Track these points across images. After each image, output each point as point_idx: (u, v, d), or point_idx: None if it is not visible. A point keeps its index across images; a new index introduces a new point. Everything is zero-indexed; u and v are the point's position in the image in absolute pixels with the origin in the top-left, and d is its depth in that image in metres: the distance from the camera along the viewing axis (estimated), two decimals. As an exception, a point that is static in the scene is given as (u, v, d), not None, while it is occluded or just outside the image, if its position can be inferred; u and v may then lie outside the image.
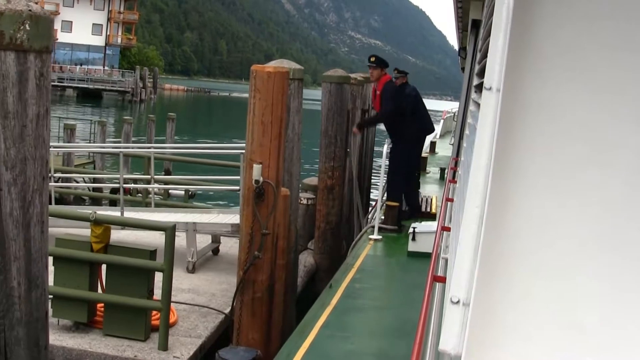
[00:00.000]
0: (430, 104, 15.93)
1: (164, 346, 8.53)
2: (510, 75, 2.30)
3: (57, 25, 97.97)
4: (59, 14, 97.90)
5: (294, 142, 10.47)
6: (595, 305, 2.29)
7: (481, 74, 5.46)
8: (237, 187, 12.78)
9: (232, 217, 12.89)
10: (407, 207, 14.73)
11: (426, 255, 10.39)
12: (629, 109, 2.25)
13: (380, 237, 12.48)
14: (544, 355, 2.34)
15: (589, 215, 2.29)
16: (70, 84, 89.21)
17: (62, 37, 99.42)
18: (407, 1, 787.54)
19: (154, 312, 8.96)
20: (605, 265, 2.29)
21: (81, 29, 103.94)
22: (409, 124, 13.62)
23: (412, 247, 11.36)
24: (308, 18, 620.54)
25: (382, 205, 13.74)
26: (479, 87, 5.54)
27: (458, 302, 2.39)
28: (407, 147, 13.73)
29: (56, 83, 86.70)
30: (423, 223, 11.82)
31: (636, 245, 2.27)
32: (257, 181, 8.75)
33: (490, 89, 2.34)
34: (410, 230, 11.50)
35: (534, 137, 2.32)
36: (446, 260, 5.44)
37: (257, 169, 8.73)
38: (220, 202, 22.12)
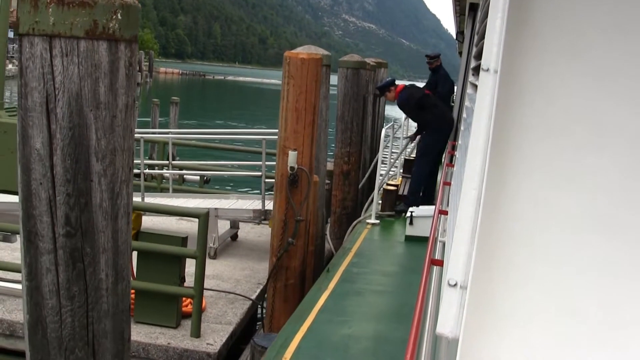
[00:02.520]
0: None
1: (196, 333, 8.51)
2: (508, 57, 2.29)
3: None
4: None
5: (322, 128, 10.45)
6: (592, 289, 2.29)
7: (478, 56, 5.44)
8: (259, 173, 12.71)
9: (253, 203, 12.84)
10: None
11: (424, 239, 10.31)
12: (627, 92, 2.24)
13: (377, 221, 12.37)
14: (541, 339, 2.35)
15: (587, 198, 2.29)
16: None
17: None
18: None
19: (183, 299, 8.94)
20: (602, 249, 2.28)
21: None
22: (441, 110, 13.28)
23: (409, 231, 11.28)
24: (302, 1, 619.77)
25: (380, 189, 13.54)
26: (477, 70, 5.52)
27: (455, 284, 2.39)
28: (441, 133, 13.39)
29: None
30: (420, 207, 11.67)
31: (633, 229, 2.26)
32: (292, 168, 8.72)
33: (487, 70, 2.33)
34: (408, 214, 11.43)
35: (532, 120, 2.31)
36: (443, 244, 5.42)
37: (292, 155, 8.70)
38: (232, 187, 22.07)
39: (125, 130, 4.41)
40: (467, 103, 6.20)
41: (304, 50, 9.42)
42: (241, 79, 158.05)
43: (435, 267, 4.56)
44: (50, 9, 4.06)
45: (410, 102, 12.95)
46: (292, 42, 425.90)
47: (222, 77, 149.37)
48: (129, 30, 4.29)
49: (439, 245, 5.52)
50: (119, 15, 4.18)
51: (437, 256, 5.13)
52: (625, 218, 2.26)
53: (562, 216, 2.30)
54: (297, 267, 9.09)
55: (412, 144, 15.56)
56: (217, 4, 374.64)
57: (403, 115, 14.93)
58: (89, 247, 4.41)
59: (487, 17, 2.46)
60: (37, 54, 4.13)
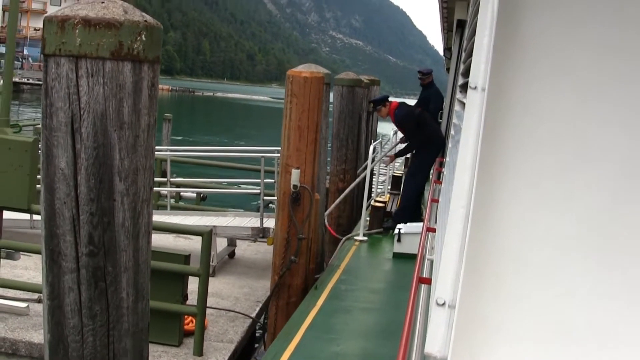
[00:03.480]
0: (411, 103, 15.85)
1: (199, 351, 8.50)
2: (496, 75, 2.30)
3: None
4: (46, 12, 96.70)
5: (322, 146, 10.48)
6: (580, 306, 2.31)
7: (466, 73, 5.45)
8: (258, 190, 12.75)
9: (251, 220, 12.85)
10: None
11: (411, 257, 10.25)
12: (613, 112, 2.27)
13: (365, 238, 12.30)
14: (531, 356, 2.36)
15: (574, 216, 2.31)
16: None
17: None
18: (388, 1, 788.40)
19: (185, 317, 8.93)
20: (589, 267, 2.30)
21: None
22: (434, 127, 13.32)
23: (397, 248, 11.21)
24: (290, 18, 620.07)
25: (368, 206, 13.45)
26: (464, 87, 5.52)
27: (444, 304, 2.38)
28: (432, 151, 13.42)
29: (38, 82, 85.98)
30: (408, 224, 11.55)
31: (620, 247, 2.29)
32: (295, 186, 8.76)
33: (475, 88, 2.34)
34: (396, 231, 11.36)
35: (520, 138, 2.33)
36: (431, 262, 5.40)
37: (295, 173, 8.75)
38: (228, 204, 22.02)
39: (147, 150, 4.48)
40: (454, 120, 6.19)
41: (305, 69, 9.45)
42: (230, 95, 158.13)
43: (422, 285, 4.56)
44: (77, 30, 4.13)
45: (410, 119, 12.96)
46: (280, 58, 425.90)
47: (212, 94, 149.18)
48: (152, 51, 4.36)
49: (426, 263, 5.52)
50: (143, 36, 4.26)
51: (425, 274, 5.10)
52: (613, 235, 2.29)
53: (549, 234, 2.32)
54: (299, 285, 9.13)
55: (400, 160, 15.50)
56: (206, 20, 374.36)
57: (391, 132, 14.96)
58: (111, 266, 4.45)
59: (474, 34, 2.48)
60: (63, 74, 4.19)
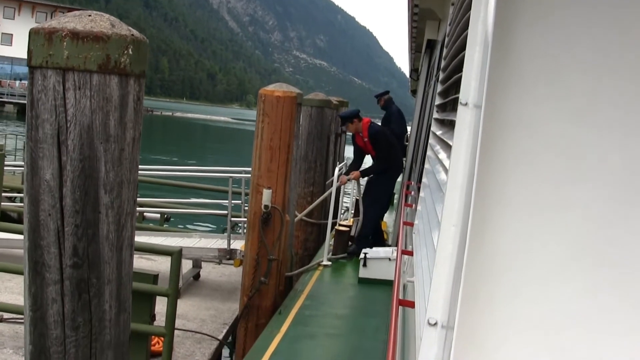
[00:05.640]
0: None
1: (166, 373, 8.38)
2: (488, 91, 2.29)
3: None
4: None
5: (293, 167, 10.44)
6: (578, 324, 2.29)
7: (444, 93, 5.45)
8: (225, 212, 12.65)
9: (217, 242, 12.75)
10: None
11: (377, 282, 10.31)
12: (608, 127, 2.26)
13: (329, 263, 12.09)
14: None
15: (572, 232, 2.29)
16: (10, 100, 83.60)
17: (1, 50, 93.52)
18: (354, 21, 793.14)
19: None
20: (588, 284, 2.28)
21: (22, 43, 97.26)
22: (398, 150, 13.25)
23: (363, 273, 11.01)
24: (252, 36, 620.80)
25: (332, 230, 13.16)
26: (442, 107, 5.51)
27: (435, 324, 2.38)
28: (394, 174, 13.42)
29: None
30: (374, 249, 11.42)
31: (618, 263, 2.27)
32: (266, 206, 8.72)
33: (466, 104, 2.37)
34: (361, 256, 11.16)
35: (514, 153, 2.31)
36: (404, 285, 5.41)
37: (267, 194, 8.72)
38: (191, 224, 21.89)
39: (131, 163, 4.52)
40: (431, 140, 6.12)
41: (277, 88, 9.39)
42: (189, 115, 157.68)
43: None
44: (65, 43, 4.15)
45: (384, 136, 12.75)
46: (241, 78, 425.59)
47: (170, 113, 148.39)
48: (138, 66, 4.39)
49: (401, 287, 5.45)
50: (130, 50, 4.29)
51: (400, 297, 5.07)
52: (611, 251, 2.26)
53: (547, 251, 2.29)
54: (269, 307, 9.06)
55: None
56: (165, 37, 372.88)
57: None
58: (94, 278, 4.47)
59: (459, 52, 2.44)
60: (49, 86, 4.20)
